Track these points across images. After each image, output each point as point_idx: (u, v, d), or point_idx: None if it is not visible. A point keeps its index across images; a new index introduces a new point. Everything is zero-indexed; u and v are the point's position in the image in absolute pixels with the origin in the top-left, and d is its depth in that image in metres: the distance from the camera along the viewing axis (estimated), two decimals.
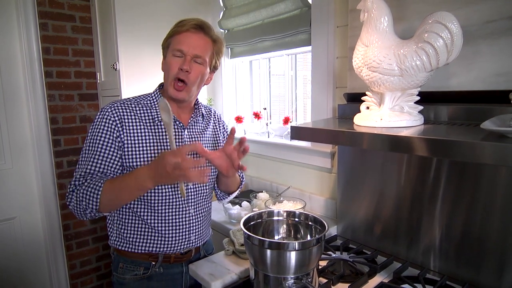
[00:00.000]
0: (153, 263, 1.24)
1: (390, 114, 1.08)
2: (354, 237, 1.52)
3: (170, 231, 1.22)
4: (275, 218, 1.26)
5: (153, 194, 1.18)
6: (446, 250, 1.21)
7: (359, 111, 1.20)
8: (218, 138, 1.40)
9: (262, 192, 1.93)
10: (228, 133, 1.45)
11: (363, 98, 1.21)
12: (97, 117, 1.16)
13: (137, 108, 1.20)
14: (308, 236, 1.21)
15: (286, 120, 2.04)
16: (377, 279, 1.22)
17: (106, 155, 1.13)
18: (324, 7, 1.64)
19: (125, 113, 1.17)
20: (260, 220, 1.24)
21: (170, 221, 1.22)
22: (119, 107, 1.17)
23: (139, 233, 1.22)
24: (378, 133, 0.98)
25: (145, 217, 1.20)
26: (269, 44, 2.07)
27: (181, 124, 1.24)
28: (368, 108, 1.19)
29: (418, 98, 1.09)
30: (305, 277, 1.03)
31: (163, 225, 1.21)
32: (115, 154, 1.14)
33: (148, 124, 1.19)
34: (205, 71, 1.21)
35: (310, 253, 1.02)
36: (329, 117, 1.67)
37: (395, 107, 1.10)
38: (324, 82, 1.69)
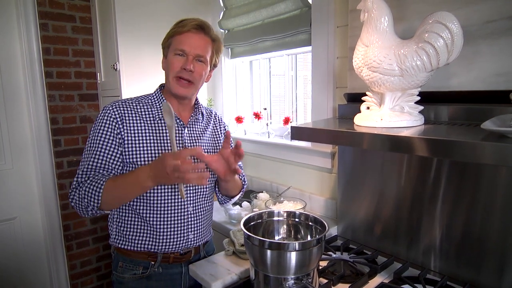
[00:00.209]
0: (152, 262, 1.24)
1: (390, 114, 1.08)
2: (354, 238, 1.52)
3: (169, 229, 1.22)
4: (276, 218, 1.26)
5: (153, 192, 1.20)
6: (447, 250, 1.21)
7: (360, 111, 1.20)
8: (218, 139, 1.40)
9: (262, 192, 1.93)
10: None
11: (363, 98, 1.21)
12: (99, 115, 1.20)
13: (138, 107, 1.23)
14: (309, 236, 1.21)
15: (286, 120, 2.04)
16: (377, 280, 1.22)
17: (107, 151, 1.16)
18: (324, 7, 1.64)
19: (126, 111, 1.20)
20: (260, 221, 1.24)
21: (169, 219, 1.22)
22: (121, 106, 1.20)
23: (138, 231, 1.23)
24: (378, 133, 0.98)
25: (144, 215, 1.21)
26: (269, 44, 2.07)
27: (182, 123, 1.26)
28: (368, 108, 1.19)
29: (419, 98, 1.09)
30: (305, 278, 1.03)
31: (162, 223, 1.21)
32: (115, 150, 1.17)
33: (148, 122, 1.21)
34: (206, 69, 1.24)
35: (311, 254, 1.02)
36: (329, 117, 1.67)
37: (396, 107, 1.10)
38: (324, 82, 1.69)
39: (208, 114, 1.41)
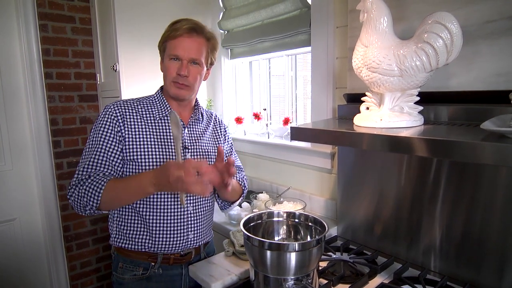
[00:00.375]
0: (152, 263, 1.24)
1: (390, 115, 1.08)
2: (354, 238, 1.52)
3: (169, 228, 1.22)
4: (275, 219, 1.26)
5: None
6: (447, 251, 1.21)
7: (359, 112, 1.20)
8: (218, 141, 1.40)
9: (262, 193, 1.92)
10: (229, 135, 1.46)
11: (363, 98, 1.21)
12: (101, 114, 1.22)
13: (139, 107, 1.25)
14: (308, 237, 1.21)
15: (286, 121, 2.04)
16: (377, 280, 1.22)
17: (108, 149, 1.17)
18: (324, 8, 1.64)
19: (127, 110, 1.21)
20: (260, 221, 1.24)
21: (169, 218, 1.22)
22: (122, 105, 1.22)
23: (138, 230, 1.23)
24: (378, 134, 0.98)
25: (144, 214, 1.21)
26: (269, 45, 2.07)
27: (182, 122, 1.26)
28: (368, 108, 1.19)
29: (418, 98, 1.09)
30: (305, 278, 1.03)
31: (162, 222, 1.22)
32: (116, 148, 1.18)
33: (148, 121, 1.23)
34: (202, 71, 1.25)
35: (310, 254, 1.01)
36: (329, 118, 1.67)
37: (395, 108, 1.10)
38: (324, 82, 1.69)
39: (208, 115, 1.42)
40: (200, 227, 1.30)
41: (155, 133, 1.22)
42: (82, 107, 2.40)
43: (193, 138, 1.30)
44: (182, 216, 1.24)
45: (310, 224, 1.21)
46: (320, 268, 1.21)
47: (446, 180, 1.19)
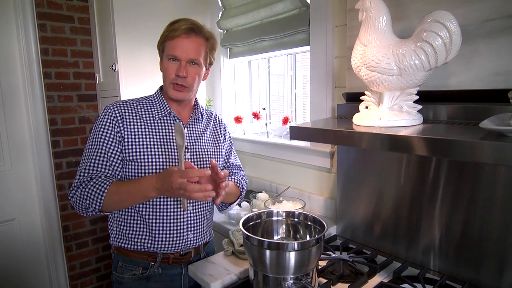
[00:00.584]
0: (152, 263, 1.24)
1: (389, 114, 1.08)
2: (353, 237, 1.52)
3: (168, 228, 1.22)
4: (275, 218, 1.26)
5: None
6: (446, 250, 1.21)
7: (358, 111, 1.20)
8: (218, 140, 1.40)
9: (261, 192, 1.92)
10: (229, 134, 1.46)
11: (362, 97, 1.20)
12: (100, 114, 1.22)
13: (139, 107, 1.25)
14: (308, 236, 1.21)
15: (286, 120, 2.03)
16: (376, 279, 1.22)
17: (108, 149, 1.17)
18: (323, 7, 1.63)
19: (126, 111, 1.22)
20: (259, 221, 1.24)
21: (169, 217, 1.22)
22: (121, 105, 1.23)
23: (138, 229, 1.23)
24: (377, 133, 0.98)
25: (144, 214, 1.21)
26: (268, 44, 2.07)
27: (181, 123, 1.27)
28: (367, 107, 1.19)
29: (417, 97, 1.09)
30: (304, 277, 1.03)
31: (162, 221, 1.22)
32: (116, 148, 1.18)
33: (148, 122, 1.23)
34: (201, 71, 1.25)
35: (310, 253, 1.02)
36: (328, 117, 1.67)
37: (394, 107, 1.10)
38: (323, 82, 1.69)
39: (208, 115, 1.42)
40: (200, 227, 1.30)
41: (154, 133, 1.22)
42: (81, 107, 2.40)
43: (193, 137, 1.30)
44: (182, 216, 1.24)
45: (309, 223, 1.21)
46: (319, 267, 1.21)
47: (445, 179, 1.19)
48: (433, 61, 0.98)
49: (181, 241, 1.25)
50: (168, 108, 1.26)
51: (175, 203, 1.23)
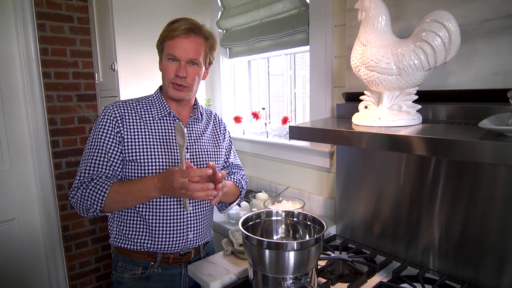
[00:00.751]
0: (152, 263, 1.24)
1: (388, 113, 1.08)
2: (353, 237, 1.52)
3: (168, 228, 1.22)
4: (274, 218, 1.26)
5: None
6: (445, 250, 1.21)
7: (358, 111, 1.20)
8: (218, 139, 1.40)
9: (261, 192, 1.92)
10: (228, 133, 1.46)
11: (361, 97, 1.21)
12: (100, 115, 1.22)
13: (138, 107, 1.25)
14: (307, 236, 1.21)
15: (285, 120, 2.03)
16: (376, 279, 1.22)
17: (107, 150, 1.17)
18: (322, 7, 1.63)
19: (126, 111, 1.22)
20: (258, 220, 1.24)
21: (169, 218, 1.22)
22: (121, 105, 1.22)
23: (138, 230, 1.23)
24: (376, 133, 0.98)
25: (144, 214, 1.21)
26: (268, 44, 2.07)
27: (181, 123, 1.26)
28: (366, 107, 1.19)
29: (416, 97, 1.09)
30: (304, 277, 1.03)
31: (162, 221, 1.22)
32: (116, 149, 1.18)
33: (148, 122, 1.23)
34: (200, 71, 1.24)
35: (309, 253, 1.01)
36: (327, 117, 1.67)
37: (393, 106, 1.10)
38: (322, 81, 1.69)
39: (208, 114, 1.42)
40: (200, 227, 1.30)
41: (154, 134, 1.22)
42: (80, 107, 2.40)
43: (193, 137, 1.30)
44: (182, 216, 1.24)
45: (308, 223, 1.21)
46: (319, 267, 1.21)
47: (445, 179, 1.19)
48: (432, 61, 0.98)
49: (181, 242, 1.25)
50: (167, 108, 1.26)
51: (175, 203, 1.23)
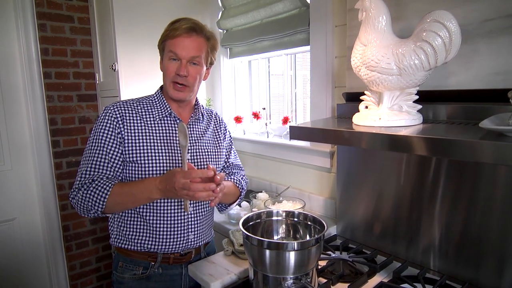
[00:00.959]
0: (152, 263, 1.24)
1: (388, 113, 1.08)
2: (353, 237, 1.52)
3: (169, 229, 1.22)
4: (274, 218, 1.26)
5: None
6: (446, 250, 1.21)
7: (358, 111, 1.20)
8: (219, 139, 1.40)
9: (261, 192, 1.92)
10: (229, 133, 1.46)
11: (361, 97, 1.20)
12: (100, 115, 1.21)
13: (139, 108, 1.24)
14: (307, 236, 1.21)
15: (285, 120, 2.03)
16: (376, 279, 1.22)
17: (108, 151, 1.17)
18: (323, 7, 1.63)
19: (127, 112, 1.21)
20: (259, 220, 1.24)
21: (169, 219, 1.22)
22: (122, 106, 1.22)
23: (138, 230, 1.23)
24: (377, 133, 0.98)
25: (145, 215, 1.21)
26: (268, 44, 2.07)
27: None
28: (367, 107, 1.19)
29: (417, 97, 1.09)
30: (304, 277, 1.03)
31: (162, 223, 1.22)
32: (117, 150, 1.18)
33: (148, 122, 1.23)
34: (202, 70, 1.24)
35: (309, 253, 1.02)
36: (328, 117, 1.67)
37: (394, 106, 1.10)
38: (323, 81, 1.69)
39: (209, 114, 1.41)
40: (201, 228, 1.30)
41: (155, 134, 1.22)
42: (81, 107, 2.40)
43: (193, 138, 1.30)
44: (182, 218, 1.24)
45: (309, 223, 1.21)
46: (319, 267, 1.21)
47: (445, 179, 1.19)
48: (432, 61, 0.98)
49: (181, 242, 1.25)
50: (168, 109, 1.25)
51: (176, 204, 1.23)
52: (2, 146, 2.16)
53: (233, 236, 1.42)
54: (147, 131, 1.21)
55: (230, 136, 1.48)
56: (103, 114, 1.20)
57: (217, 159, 1.35)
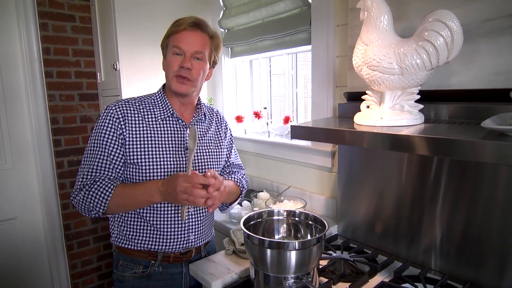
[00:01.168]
0: (153, 262, 1.24)
1: (390, 113, 1.08)
2: (354, 237, 1.52)
3: (169, 229, 1.22)
4: (275, 217, 1.26)
5: None
6: (447, 250, 1.21)
7: (360, 110, 1.20)
8: (220, 139, 1.40)
9: (262, 191, 1.92)
10: (230, 132, 1.47)
11: (363, 97, 1.21)
12: (102, 115, 1.20)
13: (141, 107, 1.23)
14: (309, 235, 1.21)
15: (287, 120, 2.03)
16: (377, 279, 1.22)
17: (110, 151, 1.16)
18: (324, 6, 1.63)
19: (128, 111, 1.20)
20: (260, 220, 1.24)
21: (170, 219, 1.22)
22: (123, 105, 1.21)
23: (139, 230, 1.23)
24: (378, 132, 0.98)
25: (145, 215, 1.21)
26: (269, 43, 2.07)
27: (184, 123, 1.26)
28: (368, 107, 1.19)
29: (419, 97, 1.09)
30: (305, 277, 1.03)
31: (163, 223, 1.22)
32: (118, 151, 1.17)
33: (150, 123, 1.22)
34: (205, 66, 1.24)
35: (310, 253, 1.02)
36: (329, 116, 1.67)
37: (395, 106, 1.10)
38: (324, 81, 1.69)
39: (210, 113, 1.41)
40: (201, 228, 1.30)
41: (156, 135, 1.21)
42: (82, 106, 2.40)
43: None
44: None
45: (310, 222, 1.21)
46: (320, 266, 1.21)
47: (447, 178, 1.19)
48: (434, 61, 0.98)
49: (182, 242, 1.25)
50: (170, 109, 1.25)
51: (176, 205, 1.22)
52: (4, 145, 2.16)
53: (234, 236, 1.42)
54: (148, 132, 1.20)
55: (231, 134, 1.48)
56: (105, 114, 1.19)
57: (218, 159, 1.35)
